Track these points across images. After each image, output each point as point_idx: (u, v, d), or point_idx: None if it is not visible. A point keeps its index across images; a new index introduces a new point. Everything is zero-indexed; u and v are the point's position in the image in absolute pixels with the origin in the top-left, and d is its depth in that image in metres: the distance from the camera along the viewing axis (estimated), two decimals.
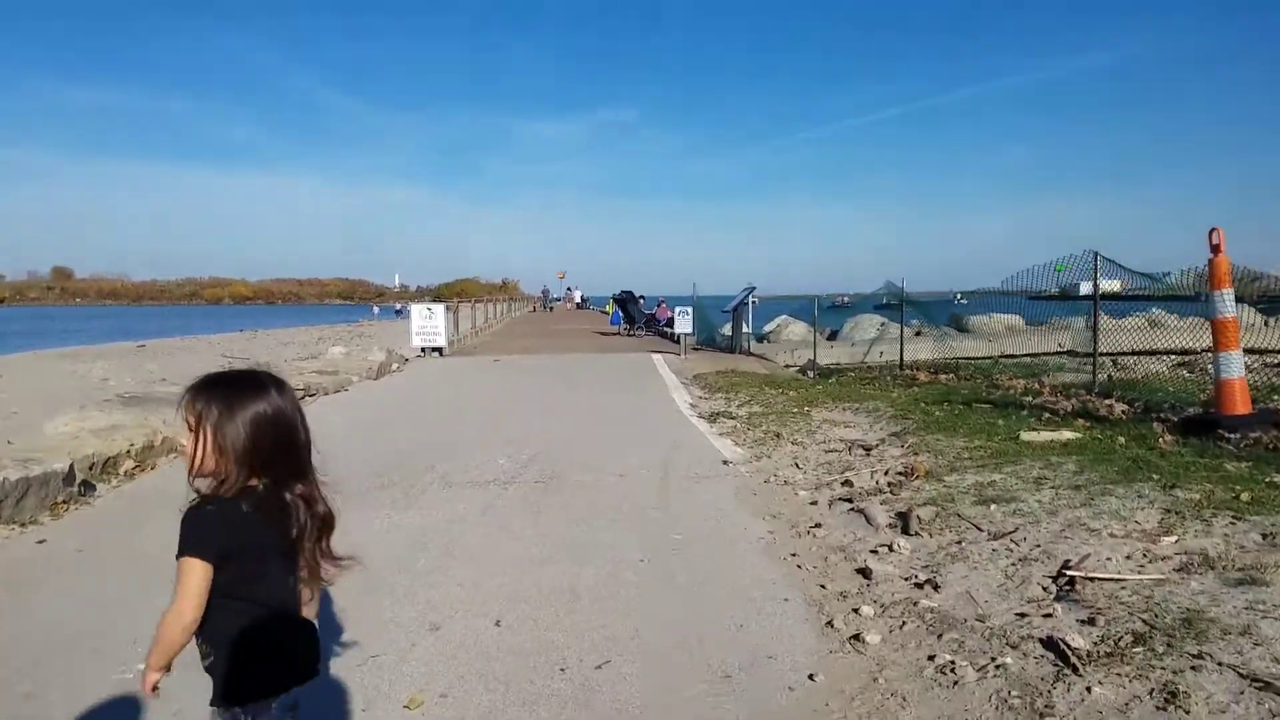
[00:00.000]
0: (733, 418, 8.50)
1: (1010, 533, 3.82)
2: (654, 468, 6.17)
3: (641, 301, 26.65)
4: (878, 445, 6.40)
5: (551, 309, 54.57)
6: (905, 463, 5.63)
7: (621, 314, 26.00)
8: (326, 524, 1.72)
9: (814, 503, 5.00)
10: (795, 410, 8.59)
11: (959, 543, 3.82)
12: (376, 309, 59.93)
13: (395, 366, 14.64)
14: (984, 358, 15.75)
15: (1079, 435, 5.86)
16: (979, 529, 3.94)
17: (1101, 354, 8.92)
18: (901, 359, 11.57)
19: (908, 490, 4.97)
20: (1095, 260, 8.47)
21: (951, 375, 10.54)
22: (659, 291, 31.76)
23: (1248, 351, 6.41)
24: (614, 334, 25.41)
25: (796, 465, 6.06)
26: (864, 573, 3.59)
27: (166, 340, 28.53)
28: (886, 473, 5.44)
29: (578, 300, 60.99)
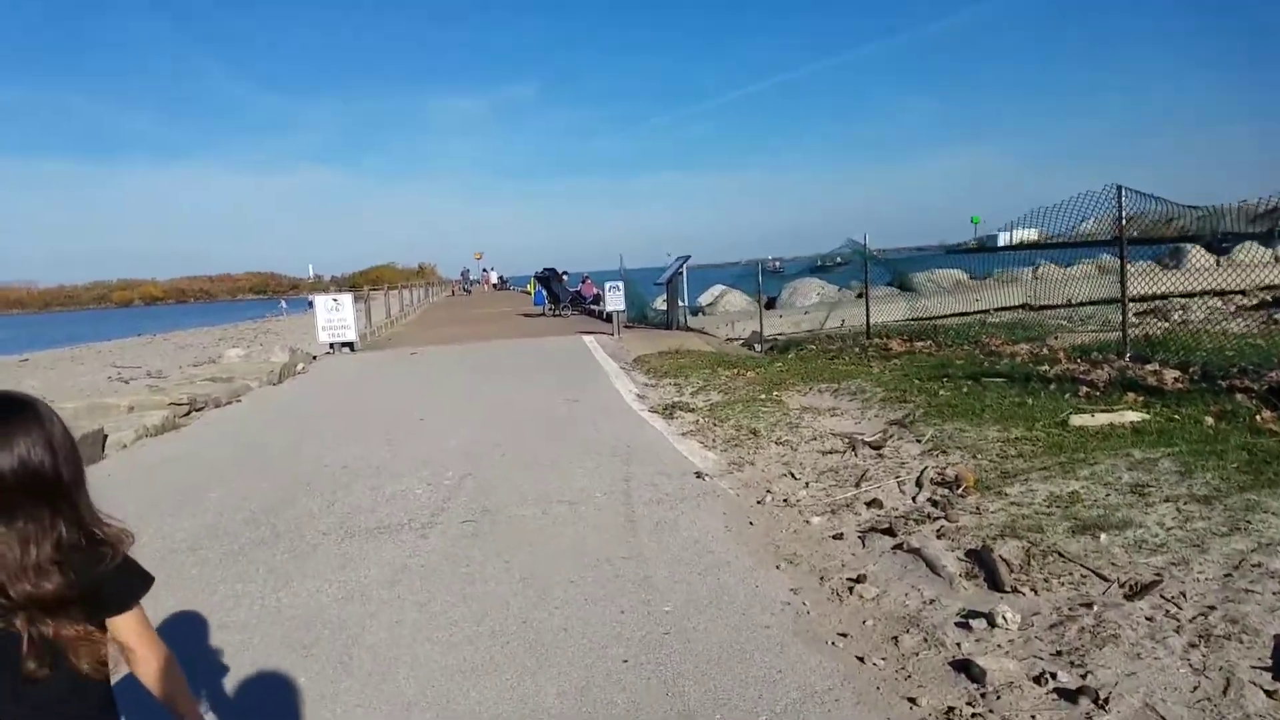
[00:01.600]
0: (692, 410, 7.29)
1: (1155, 584, 2.71)
2: (611, 488, 4.92)
3: (565, 279, 25.16)
4: (886, 440, 5.27)
5: (469, 291, 52.44)
6: (939, 467, 4.51)
7: (545, 293, 24.49)
8: None
9: (838, 535, 3.83)
10: (762, 396, 7.43)
11: (1087, 606, 2.69)
12: (284, 303, 56.30)
13: (300, 367, 12.94)
14: (951, 315, 14.97)
15: (1145, 416, 4.84)
16: (1103, 578, 2.83)
17: (1091, 303, 7.97)
18: (868, 325, 10.53)
19: (962, 510, 3.85)
20: (1120, 195, 7.32)
21: (929, 342, 9.56)
22: (582, 267, 30.27)
23: None
24: (538, 315, 23.89)
25: (791, 474, 4.88)
26: (968, 671, 2.41)
27: (57, 351, 25.80)
28: (920, 483, 4.30)
29: (494, 281, 59.06)
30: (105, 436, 7.22)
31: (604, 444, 6.10)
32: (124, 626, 1.35)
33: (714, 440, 6.09)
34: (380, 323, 21.81)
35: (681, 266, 15.95)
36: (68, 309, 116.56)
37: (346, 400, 9.21)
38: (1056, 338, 8.68)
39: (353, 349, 14.97)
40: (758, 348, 13.59)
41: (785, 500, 4.44)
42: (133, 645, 1.37)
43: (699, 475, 5.06)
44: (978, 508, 3.90)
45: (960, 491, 4.14)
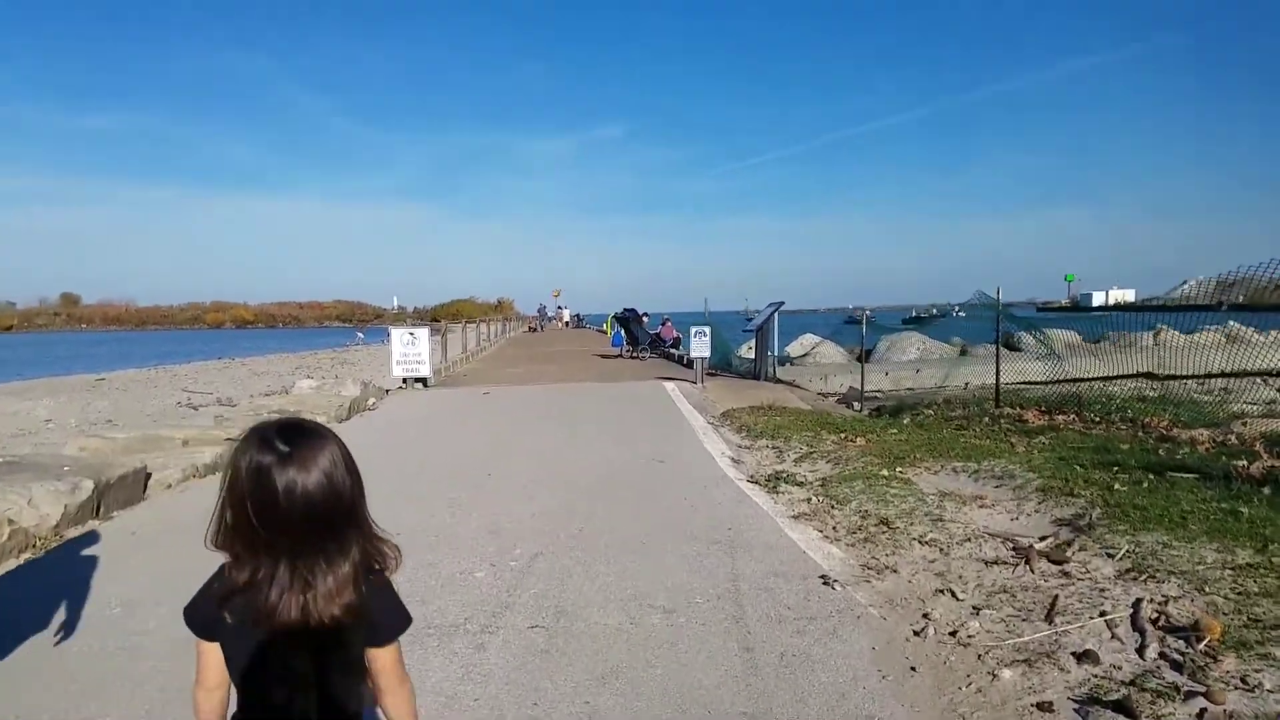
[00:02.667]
0: (800, 483, 6.25)
1: None
2: (716, 589, 3.94)
3: (645, 320, 24.43)
4: (1064, 550, 4.13)
5: (543, 328, 52.53)
6: (1157, 601, 3.37)
7: (624, 334, 23.77)
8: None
9: (1045, 706, 2.74)
10: (884, 473, 6.34)
11: None
12: (360, 334, 57.30)
13: (371, 403, 12.40)
14: (1064, 381, 13.53)
15: None
16: None
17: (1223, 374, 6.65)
18: (998, 390, 9.25)
19: (1221, 681, 2.72)
20: None
21: (1071, 416, 8.27)
22: (659, 308, 29.53)
23: None
24: (615, 356, 23.17)
25: (951, 592, 3.80)
26: None
27: (135, 371, 26.37)
28: (1138, 625, 3.18)
29: (566, 319, 59.10)
30: (149, 475, 6.62)
31: (700, 523, 5.12)
32: (384, 658, 1.36)
33: (836, 529, 5.03)
34: (456, 357, 21.41)
35: (774, 314, 14.93)
36: (162, 327, 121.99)
37: (411, 445, 8.47)
38: (1245, 423, 7.29)
39: (426, 385, 14.42)
40: (858, 406, 12.41)
41: (953, 633, 3.36)
42: (388, 678, 1.36)
43: (826, 581, 4.03)
44: (1243, 679, 2.76)
45: (1204, 646, 3.00)
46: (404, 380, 14.22)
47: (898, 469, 6.56)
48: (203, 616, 1.32)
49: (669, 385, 13.82)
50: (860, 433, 8.36)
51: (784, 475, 6.54)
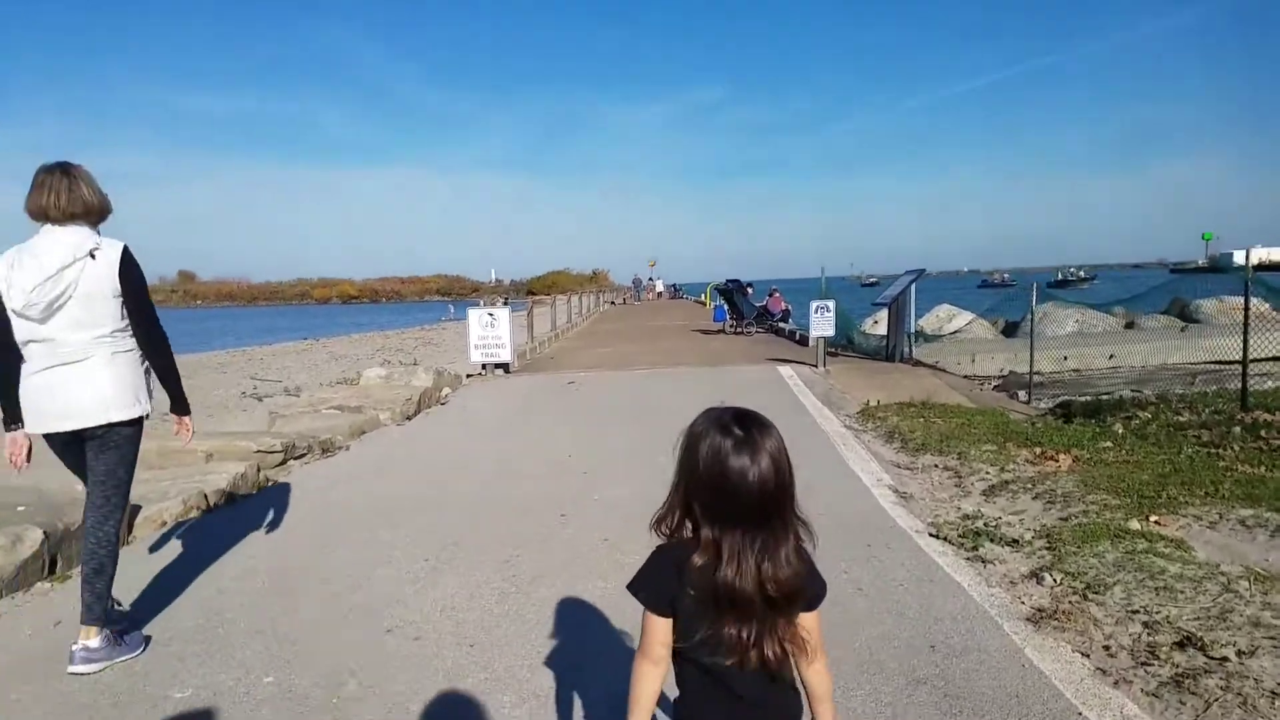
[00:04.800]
0: (1011, 542, 4.23)
1: None
2: None
3: (750, 291, 22.29)
4: None
5: (639, 299, 50.87)
6: None
7: (726, 308, 21.73)
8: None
9: None
10: (1133, 524, 4.25)
11: None
12: (452, 308, 57.08)
13: (444, 393, 10.94)
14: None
15: None
16: None
17: None
18: (1245, 388, 6.79)
19: None
20: None
21: None
22: (758, 276, 27.27)
23: None
24: (718, 332, 21.19)
25: None
26: None
27: (214, 354, 26.12)
28: None
29: (659, 290, 57.27)
30: (137, 509, 5.19)
31: (878, 630, 3.20)
32: (810, 623, 1.46)
33: (1110, 650, 3.03)
34: (544, 336, 19.93)
35: (912, 284, 12.62)
36: (272, 303, 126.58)
37: (473, 462, 6.83)
38: None
39: (507, 370, 12.89)
40: (1024, 396, 10.09)
41: None
42: (811, 642, 1.45)
43: None
44: None
45: None
46: (483, 366, 12.72)
47: (1151, 517, 4.44)
48: (660, 591, 1.43)
49: (785, 370, 11.80)
50: (1061, 446, 6.20)
51: (982, 525, 4.52)
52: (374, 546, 4.50)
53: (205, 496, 5.66)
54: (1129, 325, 17.27)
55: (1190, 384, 9.93)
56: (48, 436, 3.13)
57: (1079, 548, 4.04)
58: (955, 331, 16.13)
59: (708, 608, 1.37)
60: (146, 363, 3.28)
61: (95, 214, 3.13)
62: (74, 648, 3.06)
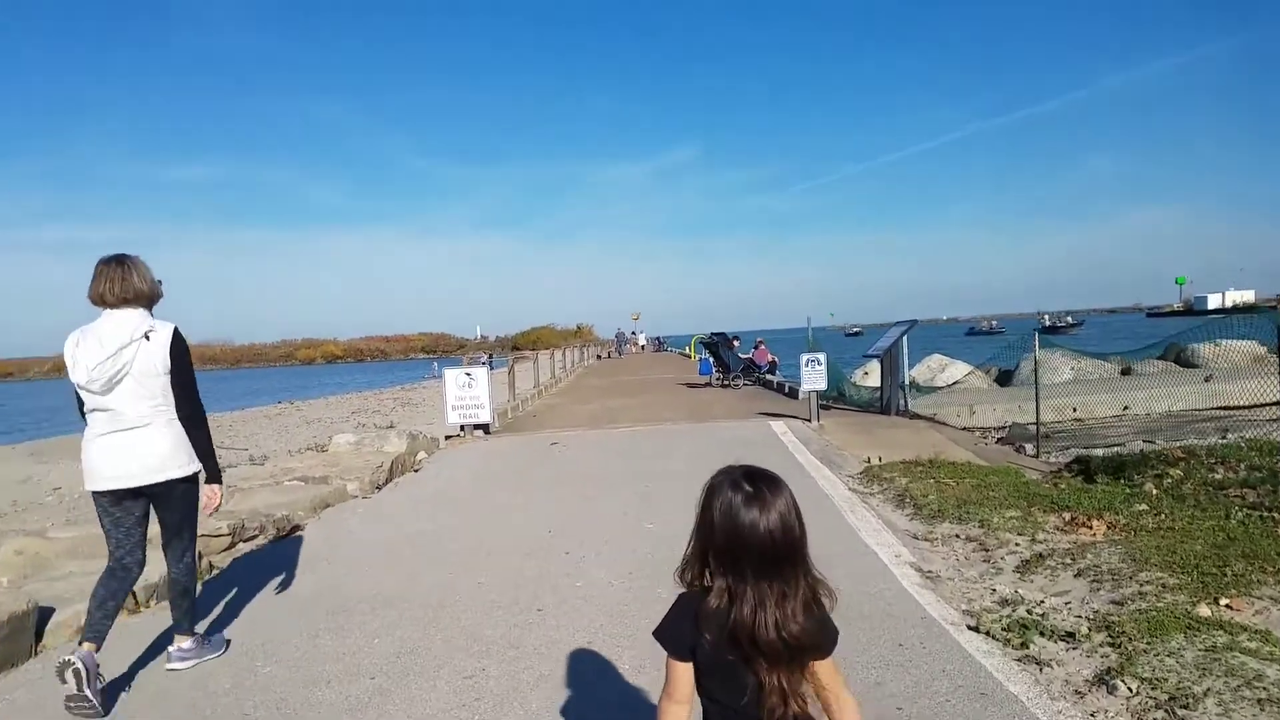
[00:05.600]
0: (1066, 636, 3.61)
1: None
2: None
3: (736, 344, 21.82)
4: None
5: (621, 353, 50.41)
6: None
7: (712, 361, 21.21)
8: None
9: None
10: (1202, 610, 3.66)
11: None
12: (436, 365, 56.31)
13: (419, 457, 10.27)
14: None
15: None
16: None
17: None
18: None
19: None
20: None
21: None
22: (740, 328, 26.82)
23: None
24: (704, 385, 20.64)
25: None
26: None
27: None
28: None
29: (641, 343, 57.16)
30: (50, 613, 4.46)
31: None
32: (826, 671, 1.55)
33: None
34: (527, 392, 19.29)
35: (904, 335, 12.14)
36: (256, 365, 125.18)
37: (442, 542, 6.14)
38: None
39: (487, 431, 12.21)
40: (1030, 450, 9.54)
41: None
42: (832, 688, 1.55)
43: None
44: None
45: None
46: (461, 428, 12.05)
47: (1221, 600, 3.84)
48: (680, 637, 1.51)
49: (777, 425, 11.21)
50: (1091, 511, 5.62)
51: (1026, 613, 3.90)
52: (312, 660, 3.79)
53: (133, 595, 4.91)
54: (1125, 371, 16.85)
55: (1217, 435, 9.42)
56: (99, 494, 3.49)
57: (1148, 643, 3.42)
58: (955, 383, 15.62)
59: (722, 653, 1.46)
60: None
61: (146, 299, 3.51)
62: (171, 649, 3.77)
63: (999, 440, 10.87)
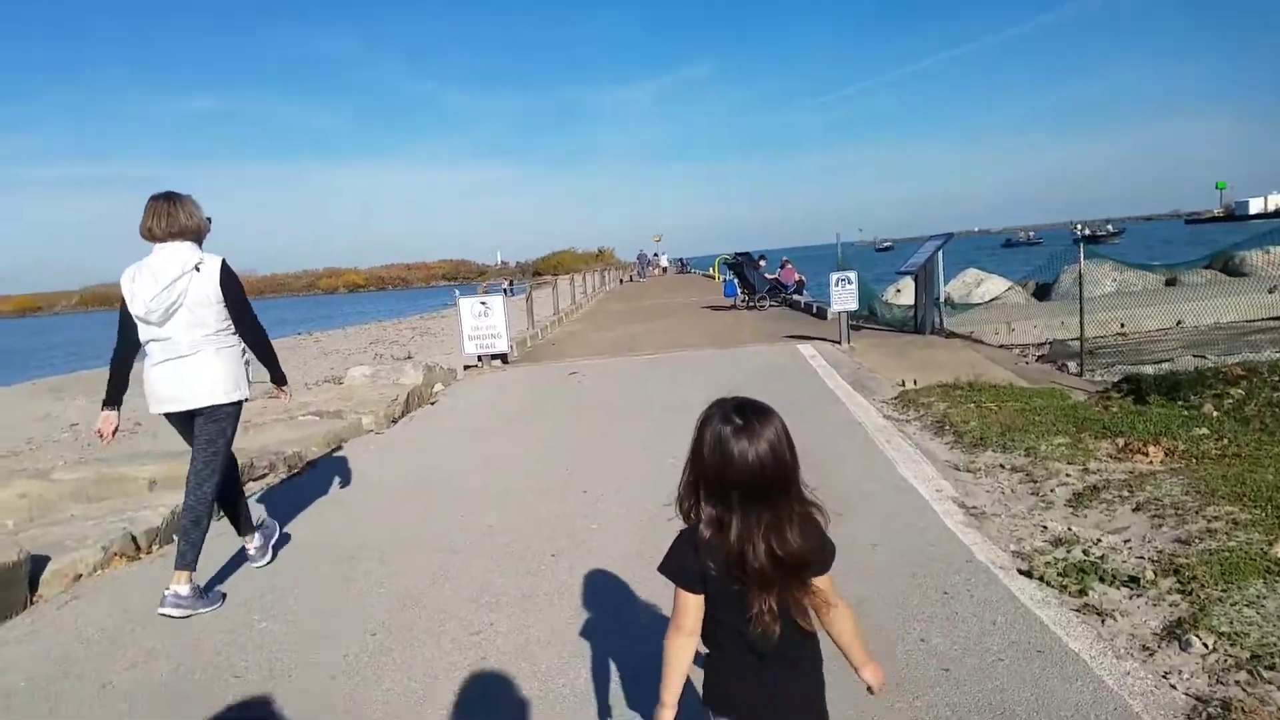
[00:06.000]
0: (1130, 581, 3.27)
1: None
2: None
3: (763, 264, 21.21)
4: None
5: (644, 276, 49.70)
6: None
7: (737, 282, 20.66)
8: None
9: None
10: (1278, 550, 3.28)
11: None
12: (458, 292, 56.00)
13: (435, 390, 10.04)
14: None
15: None
16: None
17: None
18: None
19: None
20: None
21: None
22: (765, 246, 26.10)
23: None
24: (729, 308, 20.17)
25: None
26: None
27: None
28: None
29: (664, 265, 56.33)
30: (45, 561, 4.29)
31: None
32: (824, 585, 1.58)
33: None
34: (547, 319, 18.97)
35: (939, 250, 11.54)
36: (279, 295, 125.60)
37: (455, 480, 5.90)
38: None
39: (505, 361, 11.95)
40: (1074, 368, 9.08)
41: None
42: (829, 601, 1.59)
43: None
44: None
45: None
46: (479, 358, 11.79)
47: None
48: (689, 569, 1.55)
49: (806, 349, 10.80)
50: (1147, 436, 5.21)
51: (1082, 555, 3.55)
52: (311, 614, 3.57)
53: (134, 540, 4.74)
54: (1170, 282, 16.09)
55: (1274, 349, 8.87)
56: (166, 415, 3.76)
57: (1222, 590, 3.08)
58: (994, 298, 15.00)
59: (727, 580, 1.51)
60: (247, 355, 3.88)
61: (193, 234, 3.70)
62: (166, 592, 3.59)
63: (1040, 358, 10.38)
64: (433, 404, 9.26)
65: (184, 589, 3.62)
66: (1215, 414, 5.59)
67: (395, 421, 8.31)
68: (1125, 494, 4.23)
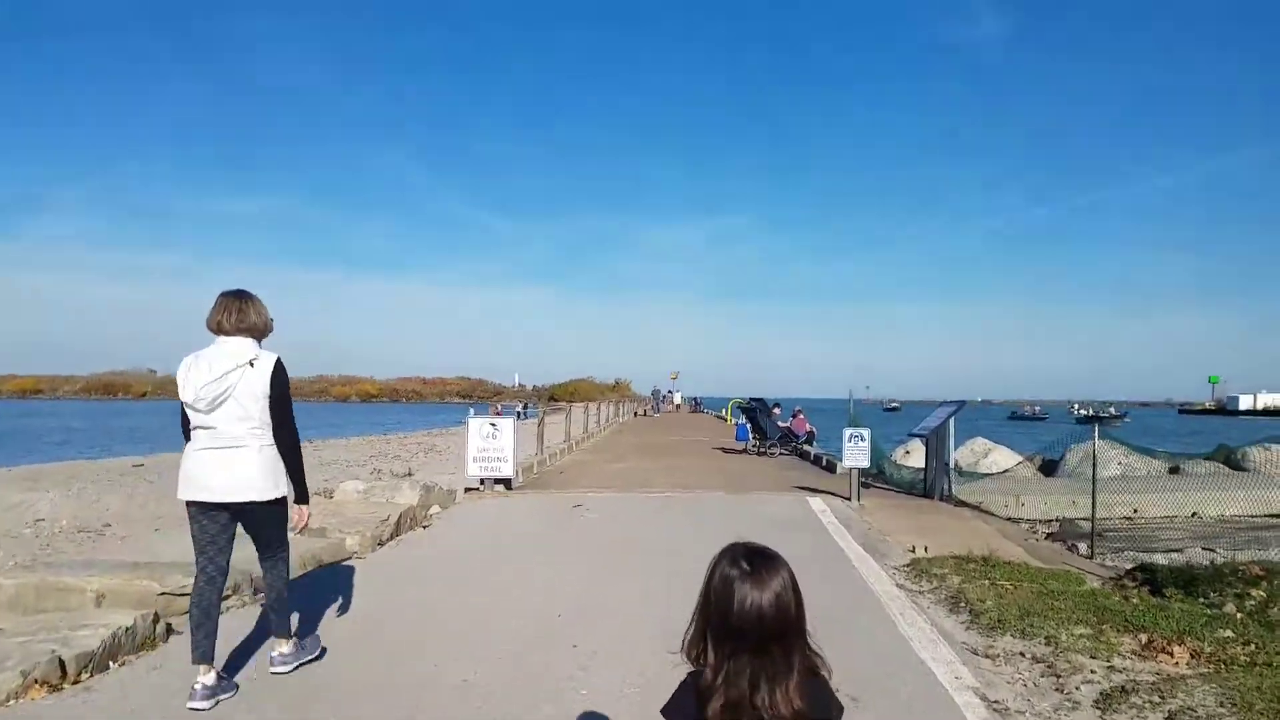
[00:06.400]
0: None
1: None
2: None
3: (777, 412, 21.24)
4: None
5: (658, 410, 49.90)
6: None
7: (749, 427, 20.64)
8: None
9: None
10: None
11: None
12: (473, 410, 55.89)
13: (431, 511, 9.83)
14: None
15: None
16: None
17: None
18: None
19: None
20: None
21: None
22: (775, 394, 26.18)
23: None
24: (740, 452, 20.06)
25: None
26: None
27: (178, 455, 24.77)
28: None
29: (678, 402, 57.05)
30: None
31: None
32: None
33: None
34: (556, 446, 18.86)
35: (952, 417, 11.53)
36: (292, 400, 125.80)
37: (434, 622, 5.66)
38: None
39: (508, 487, 11.78)
40: (1082, 549, 8.84)
41: None
42: None
43: None
44: None
45: None
46: (481, 481, 11.63)
47: None
48: (688, 714, 1.54)
49: (816, 503, 10.61)
50: (1171, 634, 4.97)
51: None
52: None
53: (60, 665, 4.08)
54: (1173, 470, 15.96)
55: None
56: (189, 503, 3.81)
57: None
58: (1005, 470, 14.84)
59: None
60: None
61: (259, 332, 3.91)
62: (273, 654, 4.11)
63: (1048, 535, 10.15)
64: (425, 527, 9.01)
65: (287, 646, 4.15)
66: (1239, 615, 5.35)
67: (382, 544, 8.03)
68: (1156, 699, 3.98)
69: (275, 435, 3.88)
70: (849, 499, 10.91)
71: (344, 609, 5.55)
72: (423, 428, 35.16)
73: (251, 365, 3.78)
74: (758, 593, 1.47)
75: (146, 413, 71.16)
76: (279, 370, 3.89)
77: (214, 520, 3.83)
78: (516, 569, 6.86)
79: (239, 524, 3.92)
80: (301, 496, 4.12)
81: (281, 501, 3.94)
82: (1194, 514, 11.73)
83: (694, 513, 9.77)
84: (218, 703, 3.69)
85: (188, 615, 3.89)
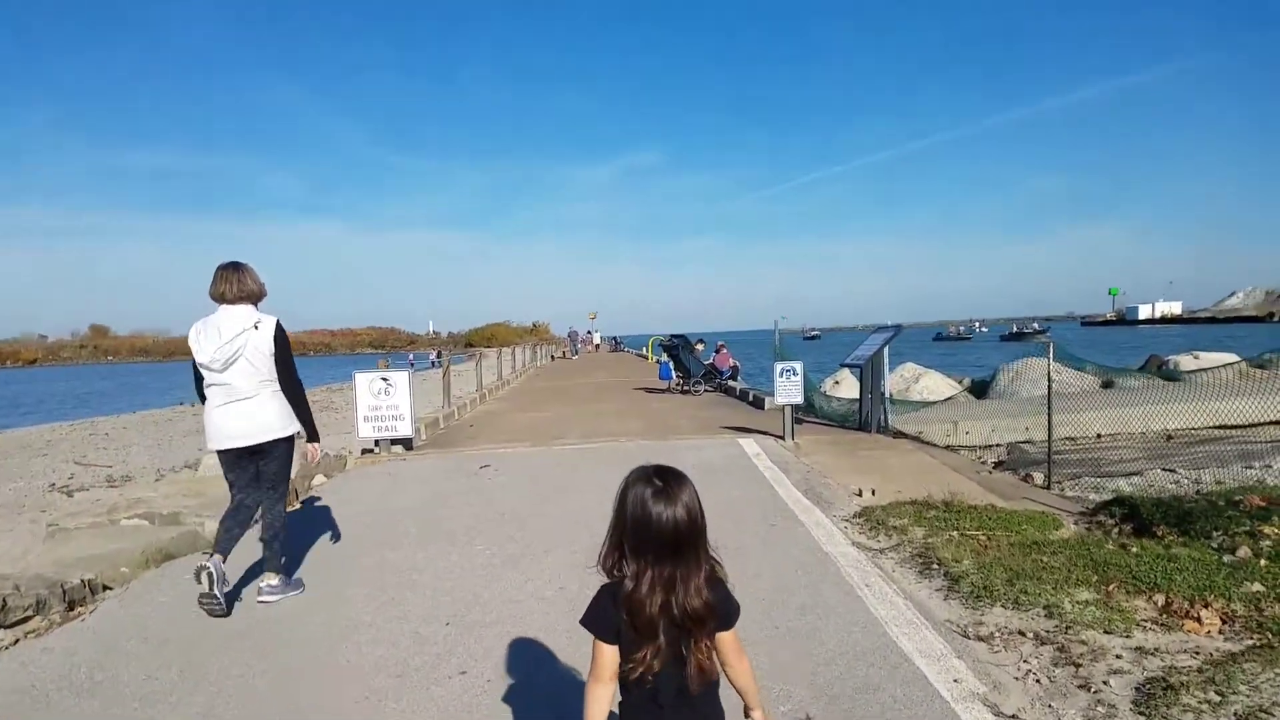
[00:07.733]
0: None
1: None
2: None
3: (700, 348, 20.27)
4: None
5: (577, 353, 48.70)
6: None
7: (672, 365, 19.65)
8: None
9: None
10: None
11: None
12: (389, 361, 52.80)
13: (313, 483, 8.47)
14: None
15: None
16: None
17: None
18: None
19: None
20: None
21: None
22: (696, 329, 25.38)
23: None
24: (663, 391, 19.10)
25: None
26: None
27: (44, 428, 22.69)
28: None
29: (597, 342, 56.23)
30: None
31: None
32: (727, 640, 1.76)
33: None
34: (466, 396, 17.46)
35: (887, 345, 10.68)
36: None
37: (291, 631, 4.41)
38: None
39: (408, 447, 10.44)
40: (1038, 478, 8.16)
41: None
42: (732, 653, 1.78)
43: None
44: None
45: None
46: (376, 443, 10.25)
47: None
48: (605, 622, 1.70)
49: (748, 444, 9.67)
50: (1190, 593, 4.13)
51: None
52: None
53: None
54: (1106, 384, 15.69)
55: (1240, 463, 8.14)
56: (222, 452, 4.45)
57: None
58: (948, 398, 14.22)
59: (637, 633, 1.65)
60: None
61: (256, 297, 4.50)
62: (261, 585, 4.58)
63: (998, 464, 9.47)
64: (300, 506, 7.60)
65: (275, 579, 4.55)
66: (1262, 562, 4.56)
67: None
68: (1214, 695, 3.07)
69: (281, 384, 4.47)
70: (782, 438, 10.04)
71: (161, 628, 4.19)
72: (321, 384, 32.27)
73: (256, 328, 4.34)
74: (672, 508, 1.66)
75: (22, 380, 65.79)
76: (280, 330, 4.46)
77: (244, 466, 4.47)
78: (402, 553, 5.61)
79: (258, 462, 4.46)
80: (312, 436, 4.69)
81: (292, 440, 4.54)
82: (1169, 438, 11.25)
83: (615, 465, 8.63)
84: (283, 599, 4.55)
85: (219, 525, 4.41)
